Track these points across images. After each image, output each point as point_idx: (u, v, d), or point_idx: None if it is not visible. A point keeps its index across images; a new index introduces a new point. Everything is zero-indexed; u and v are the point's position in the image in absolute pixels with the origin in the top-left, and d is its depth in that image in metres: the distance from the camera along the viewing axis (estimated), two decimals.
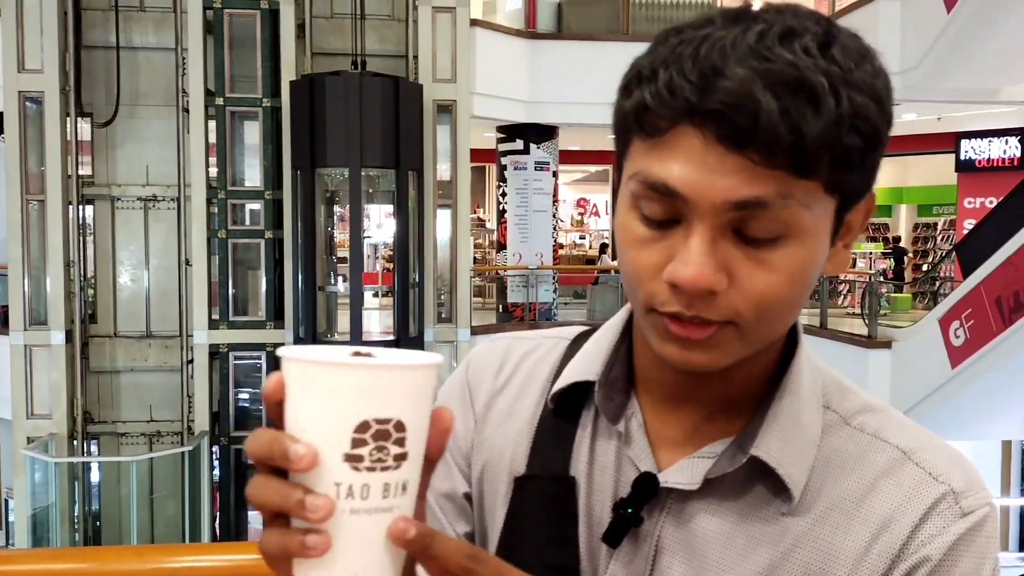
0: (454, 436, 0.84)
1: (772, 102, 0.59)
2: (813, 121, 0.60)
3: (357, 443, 0.55)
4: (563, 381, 0.79)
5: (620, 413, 0.77)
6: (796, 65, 0.60)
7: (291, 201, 9.08)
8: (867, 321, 10.81)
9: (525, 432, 0.81)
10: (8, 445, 9.78)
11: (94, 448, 9.63)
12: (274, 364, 9.25)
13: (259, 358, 9.47)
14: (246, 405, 9.61)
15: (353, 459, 0.55)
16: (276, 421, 0.57)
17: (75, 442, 9.27)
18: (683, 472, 0.73)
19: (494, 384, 0.85)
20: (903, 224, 18.74)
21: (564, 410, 0.80)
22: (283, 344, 9.32)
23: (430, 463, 0.60)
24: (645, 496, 0.72)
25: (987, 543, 0.69)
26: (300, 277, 8.98)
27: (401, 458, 0.56)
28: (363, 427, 0.55)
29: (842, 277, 15.59)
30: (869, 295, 11.06)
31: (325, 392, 0.55)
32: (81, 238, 9.38)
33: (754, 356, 0.71)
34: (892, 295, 13.49)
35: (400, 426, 0.56)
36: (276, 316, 9.46)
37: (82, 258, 9.38)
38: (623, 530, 0.72)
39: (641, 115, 0.64)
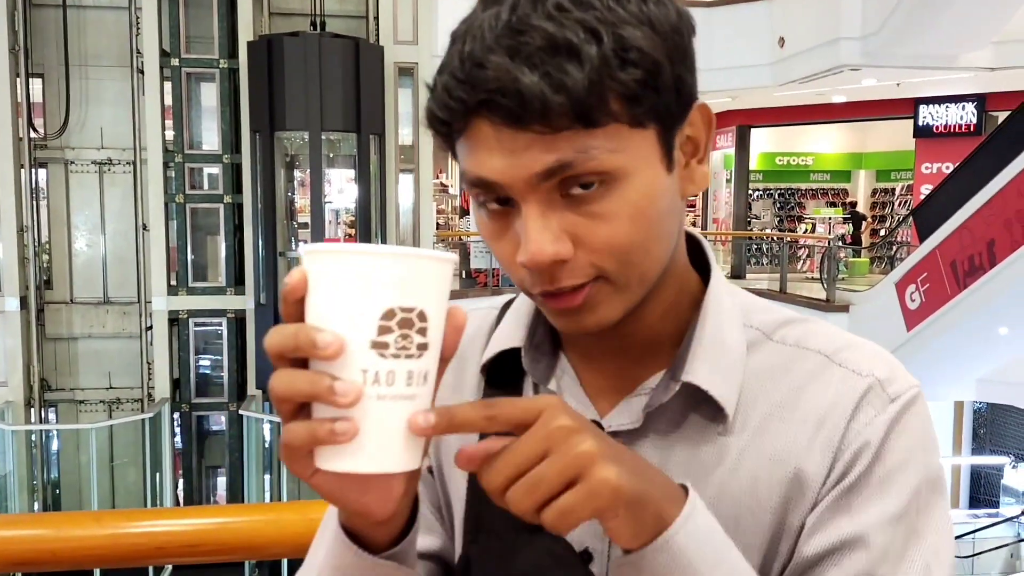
0: None
1: (530, 75, 0.61)
2: (577, 73, 0.61)
3: (383, 330, 0.56)
4: (491, 351, 0.82)
5: (550, 374, 0.80)
6: (545, 28, 0.61)
7: (250, 165, 8.93)
8: (825, 285, 10.98)
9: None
10: None
11: (52, 416, 9.51)
12: (238, 326, 9.20)
13: (220, 324, 9.37)
14: (207, 371, 9.53)
15: (379, 346, 0.56)
16: (292, 319, 0.58)
17: (32, 410, 9.15)
18: (623, 414, 0.76)
19: None
20: (861, 189, 18.96)
21: (502, 379, 0.82)
22: (243, 310, 9.28)
23: (443, 361, 0.61)
24: None
25: (920, 422, 0.72)
26: (260, 242, 8.87)
27: (423, 348, 0.57)
28: (389, 314, 0.56)
29: (801, 242, 15.76)
30: (828, 260, 11.22)
31: (353, 280, 0.56)
32: (34, 202, 9.16)
33: (660, 293, 0.74)
34: (850, 260, 13.70)
35: (423, 316, 0.57)
36: (236, 282, 9.35)
37: (36, 223, 9.17)
38: None
39: (438, 125, 0.67)
